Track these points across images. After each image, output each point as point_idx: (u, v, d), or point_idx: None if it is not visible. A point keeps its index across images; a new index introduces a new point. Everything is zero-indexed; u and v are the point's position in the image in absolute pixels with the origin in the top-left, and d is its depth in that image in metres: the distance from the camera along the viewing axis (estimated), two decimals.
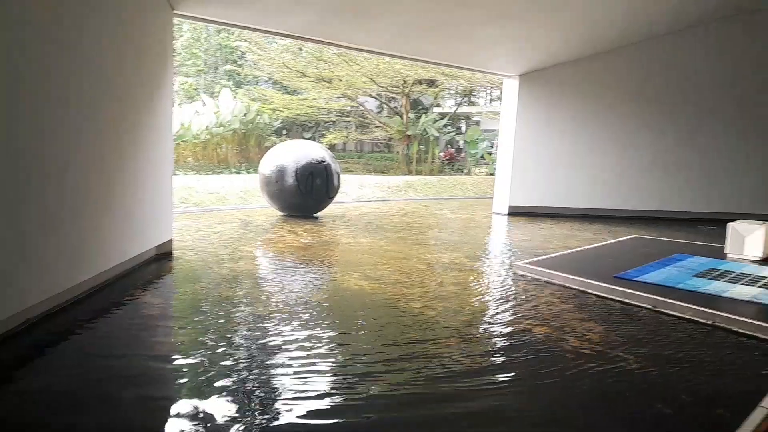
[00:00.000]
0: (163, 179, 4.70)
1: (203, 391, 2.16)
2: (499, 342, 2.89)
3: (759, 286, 3.95)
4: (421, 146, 20.70)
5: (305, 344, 2.71)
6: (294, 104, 20.28)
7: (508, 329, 3.09)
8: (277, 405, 2.05)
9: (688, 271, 4.40)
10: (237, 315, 3.18)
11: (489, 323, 3.23)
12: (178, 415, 1.96)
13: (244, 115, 18.07)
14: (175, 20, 5.18)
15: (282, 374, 2.34)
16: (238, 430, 1.87)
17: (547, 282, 4.19)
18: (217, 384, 2.22)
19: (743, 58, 8.29)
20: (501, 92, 9.16)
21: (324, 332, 2.91)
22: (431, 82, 20.61)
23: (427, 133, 20.28)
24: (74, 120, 3.12)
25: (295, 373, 2.35)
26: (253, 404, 2.05)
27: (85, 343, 2.72)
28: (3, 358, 2.45)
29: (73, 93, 3.11)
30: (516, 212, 8.57)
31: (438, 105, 24.25)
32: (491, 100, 25.33)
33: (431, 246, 5.66)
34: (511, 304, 3.63)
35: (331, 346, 2.73)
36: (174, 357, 2.56)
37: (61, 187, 3.00)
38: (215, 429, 1.87)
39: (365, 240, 5.86)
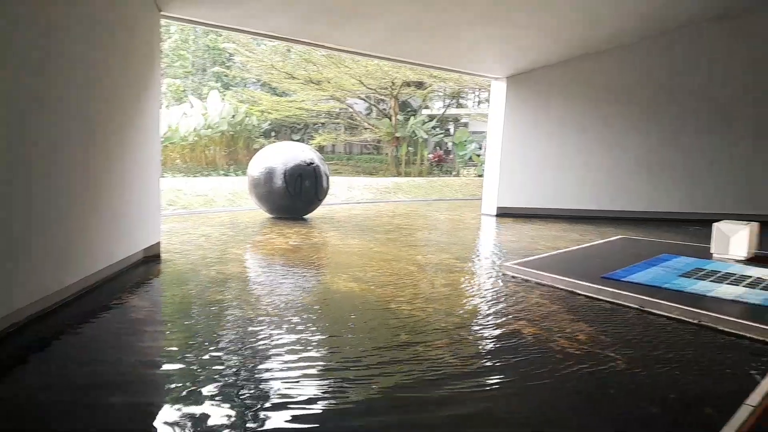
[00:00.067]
0: (150, 181, 4.67)
1: (191, 397, 2.14)
2: (489, 343, 2.90)
3: (744, 286, 3.99)
4: (409, 148, 20.73)
5: (294, 348, 2.70)
6: (282, 106, 20.23)
7: (498, 330, 3.10)
8: (267, 411, 2.04)
9: (674, 271, 4.44)
10: (226, 318, 3.17)
11: (479, 324, 3.24)
12: (165, 423, 1.94)
13: (233, 116, 18.00)
14: (163, 22, 5.15)
15: (271, 379, 2.32)
16: None
17: (536, 283, 4.21)
18: (206, 390, 2.20)
19: (728, 60, 8.39)
20: (489, 94, 9.18)
21: (313, 335, 2.90)
22: (420, 84, 20.66)
23: (415, 135, 20.32)
24: (61, 122, 3.10)
25: (285, 377, 2.33)
26: (242, 410, 2.04)
27: (71, 347, 2.70)
28: None
29: (60, 95, 3.08)
30: (504, 213, 8.60)
31: (427, 107, 24.31)
32: (479, 102, 25.43)
33: (420, 247, 5.66)
34: (500, 305, 3.64)
35: (320, 349, 2.72)
36: (162, 362, 2.55)
37: (47, 189, 2.97)
38: None
39: (354, 242, 5.86)
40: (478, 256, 5.46)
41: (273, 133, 22.45)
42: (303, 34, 6.39)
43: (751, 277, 4.30)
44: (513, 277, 4.41)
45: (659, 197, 8.72)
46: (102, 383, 2.26)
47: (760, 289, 3.92)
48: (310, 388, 2.24)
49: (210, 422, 1.93)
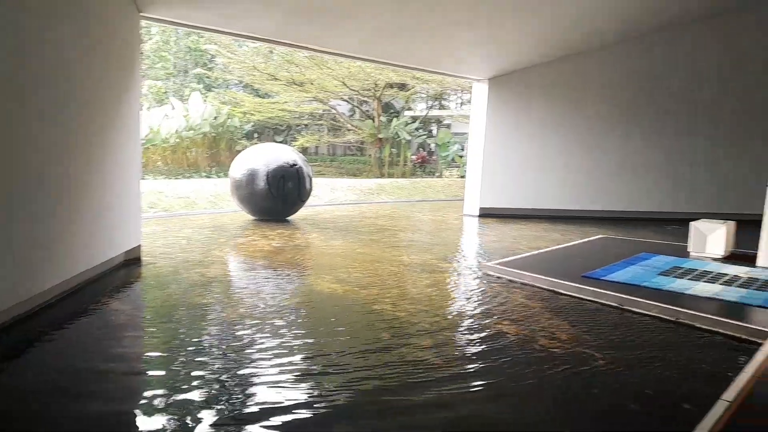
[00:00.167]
0: (130, 183, 4.62)
1: (171, 404, 2.11)
2: (473, 344, 2.92)
3: (720, 284, 4.07)
4: (393, 149, 20.77)
5: (277, 351, 2.68)
6: (265, 107, 20.15)
7: (481, 330, 3.12)
8: (248, 418, 2.02)
9: (653, 270, 4.51)
10: (208, 322, 3.15)
11: (462, 325, 3.26)
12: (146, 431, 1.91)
13: (215, 118, 17.88)
14: (143, 23, 5.11)
15: (254, 384, 2.30)
16: None
17: (518, 282, 4.25)
18: (186, 397, 2.18)
19: (707, 62, 8.55)
20: (471, 96, 9.24)
21: (296, 339, 2.90)
22: (402, 86, 20.70)
23: (398, 137, 20.35)
24: (40, 124, 3.06)
25: (267, 382, 2.32)
26: (223, 417, 2.01)
27: (49, 353, 2.65)
28: None
29: (39, 97, 3.04)
30: (486, 214, 8.66)
31: (409, 108, 24.37)
32: (462, 104, 25.55)
33: (403, 248, 5.68)
34: (482, 305, 3.67)
35: (303, 352, 2.72)
36: (142, 368, 2.52)
37: (26, 191, 2.93)
38: None
39: (338, 243, 5.85)
40: (460, 256, 5.49)
41: (256, 135, 22.34)
42: (285, 35, 6.38)
43: (727, 275, 4.38)
44: (495, 277, 4.44)
45: (639, 197, 8.85)
46: (80, 391, 2.23)
47: (737, 286, 4.00)
48: (293, 393, 2.22)
49: (190, 430, 1.92)
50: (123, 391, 2.26)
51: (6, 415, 2.01)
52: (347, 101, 21.93)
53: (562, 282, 4.03)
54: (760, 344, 2.84)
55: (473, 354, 2.74)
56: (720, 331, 3.11)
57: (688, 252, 5.34)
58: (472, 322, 3.28)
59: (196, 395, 2.17)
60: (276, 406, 2.10)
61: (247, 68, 19.37)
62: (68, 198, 3.49)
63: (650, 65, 8.54)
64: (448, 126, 24.70)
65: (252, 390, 2.24)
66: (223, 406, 2.08)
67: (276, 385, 2.29)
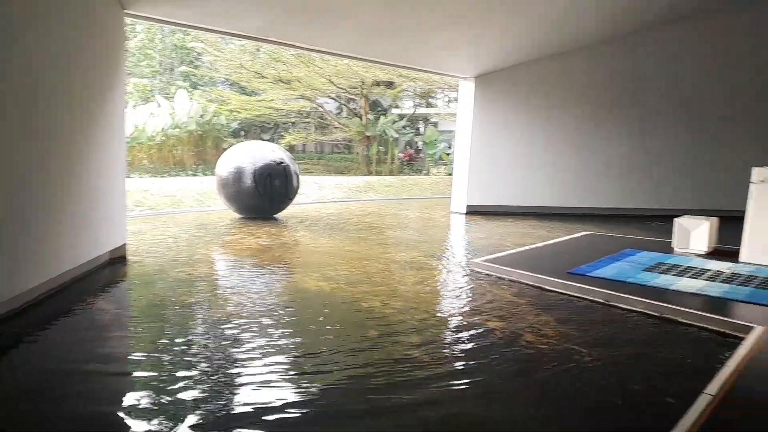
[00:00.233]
0: (115, 182, 4.58)
1: (160, 404, 2.10)
2: (461, 341, 2.93)
3: (704, 279, 4.12)
4: (380, 147, 20.74)
5: (264, 351, 2.68)
6: (252, 105, 20.02)
7: (469, 327, 3.14)
8: (238, 417, 2.00)
9: (638, 266, 4.55)
10: (195, 321, 3.14)
11: (450, 322, 3.28)
12: None
13: (201, 116, 17.74)
14: (128, 20, 5.06)
15: (242, 384, 2.28)
16: None
17: (505, 279, 4.27)
18: (175, 397, 2.17)
19: (691, 62, 8.64)
20: (458, 94, 9.26)
21: (284, 337, 2.89)
22: (390, 84, 20.67)
23: (386, 134, 20.34)
24: (23, 122, 3.02)
25: (256, 382, 2.30)
26: (210, 418, 1.99)
27: (34, 353, 2.63)
28: None
29: (22, 95, 3.00)
30: (474, 211, 8.68)
31: (397, 106, 24.35)
32: (449, 102, 25.59)
33: (391, 246, 5.69)
34: (469, 301, 3.69)
35: (291, 352, 2.71)
36: (128, 368, 2.49)
37: (9, 190, 2.90)
38: None
39: (325, 241, 5.85)
40: (448, 253, 5.50)
41: (242, 133, 22.22)
42: (271, 33, 6.34)
43: (710, 270, 4.44)
44: (482, 274, 4.46)
45: (624, 194, 8.93)
46: (65, 391, 2.21)
47: (720, 282, 4.05)
48: (282, 393, 2.22)
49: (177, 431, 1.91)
50: (109, 392, 2.25)
51: None
52: (334, 99, 21.86)
53: (549, 279, 4.06)
54: (742, 338, 2.88)
55: (461, 351, 2.75)
56: (704, 326, 3.15)
57: (673, 248, 5.40)
58: (459, 319, 3.29)
59: (183, 396, 2.15)
60: (265, 406, 2.09)
61: (233, 66, 19.24)
62: (52, 197, 3.45)
63: (635, 65, 8.62)
64: (436, 124, 24.73)
65: (241, 390, 2.23)
66: (211, 407, 2.07)
67: (265, 385, 2.27)
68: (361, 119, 20.57)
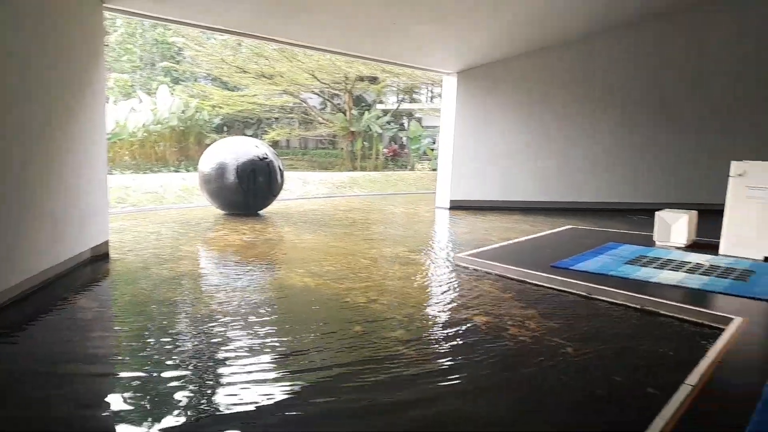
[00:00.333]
0: (96, 178, 4.52)
1: (143, 406, 2.08)
2: (447, 336, 2.95)
3: (684, 271, 4.19)
4: (364, 143, 20.72)
5: (249, 349, 2.66)
6: (234, 101, 19.86)
7: (454, 322, 3.16)
8: (223, 418, 1.98)
9: (620, 259, 4.61)
10: (179, 318, 3.11)
11: (436, 317, 3.30)
12: None
13: (183, 111, 17.56)
14: (107, 14, 4.98)
15: (227, 383, 2.26)
16: None
17: (489, 273, 4.30)
18: (160, 397, 2.16)
19: (671, 58, 8.75)
20: (441, 89, 9.28)
21: (269, 336, 2.88)
22: (373, 79, 20.63)
23: (370, 130, 20.31)
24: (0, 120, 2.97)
25: (241, 381, 2.28)
26: (193, 419, 1.96)
27: (11, 354, 2.58)
28: None
29: None
30: (458, 206, 8.72)
31: (381, 102, 24.32)
32: (432, 97, 25.61)
33: (376, 241, 5.69)
34: (454, 295, 3.71)
35: (276, 350, 2.70)
36: (110, 369, 2.46)
37: None
38: None
39: (310, 237, 5.83)
40: (432, 248, 5.52)
41: (225, 128, 22.04)
42: (252, 27, 6.30)
43: (690, 263, 4.51)
44: (467, 268, 4.48)
45: (606, 188, 9.04)
46: (46, 394, 2.18)
47: (699, 274, 4.12)
48: (268, 392, 2.20)
49: None
50: (92, 393, 2.21)
51: None
52: (318, 94, 21.78)
53: (533, 272, 4.09)
54: (721, 330, 2.94)
55: (448, 347, 2.76)
56: (684, 317, 3.20)
57: (654, 241, 5.47)
58: (445, 315, 3.31)
59: (168, 396, 2.13)
60: (251, 405, 2.07)
61: (215, 61, 19.07)
62: (30, 194, 3.40)
63: (617, 61, 8.71)
64: (419, 119, 24.75)
65: (226, 389, 2.21)
66: (197, 407, 2.05)
67: (251, 384, 2.25)
68: (345, 115, 20.52)
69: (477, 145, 8.76)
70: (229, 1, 5.36)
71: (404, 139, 23.84)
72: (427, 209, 8.81)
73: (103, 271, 4.18)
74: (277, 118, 23.25)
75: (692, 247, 5.26)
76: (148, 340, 2.72)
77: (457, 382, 2.34)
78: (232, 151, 7.08)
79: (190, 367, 2.40)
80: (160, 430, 1.86)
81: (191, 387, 2.20)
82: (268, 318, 3.11)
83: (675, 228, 5.34)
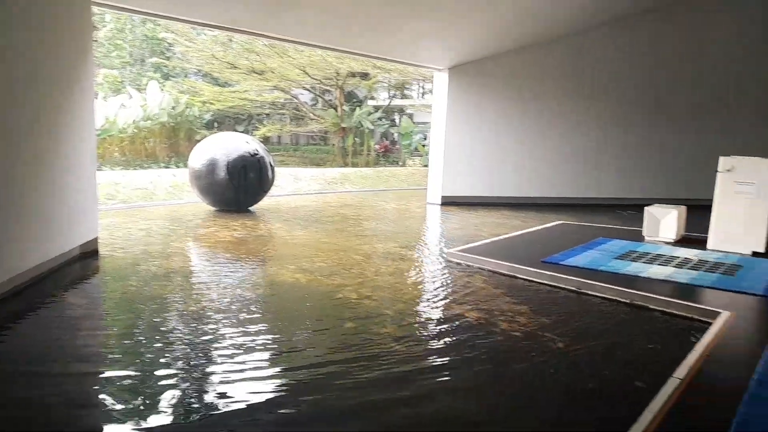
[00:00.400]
0: (85, 175, 4.49)
1: (134, 404, 2.07)
2: (439, 332, 2.96)
3: (672, 266, 4.22)
4: (356, 139, 20.69)
5: (240, 346, 2.65)
6: (225, 96, 19.75)
7: (446, 317, 3.17)
8: (215, 417, 1.97)
9: (609, 254, 4.64)
10: (169, 315, 3.10)
11: (427, 312, 3.30)
12: None
13: (173, 108, 17.45)
14: (95, 9, 4.94)
15: (219, 382, 2.24)
16: None
17: (480, 269, 4.31)
18: (151, 395, 2.15)
19: (663, 54, 8.80)
20: (432, 85, 9.27)
21: (260, 333, 2.87)
22: (364, 75, 20.59)
23: (362, 126, 20.28)
24: None
25: (233, 380, 2.26)
26: (184, 418, 1.96)
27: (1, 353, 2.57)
28: None
29: None
30: (449, 202, 8.73)
31: (372, 98, 24.29)
32: (423, 93, 25.61)
33: (367, 237, 5.69)
34: (445, 290, 3.72)
35: (268, 347, 2.69)
36: (99, 368, 2.43)
37: None
38: None
39: (301, 233, 5.82)
40: (423, 244, 5.53)
41: (216, 125, 21.93)
42: (242, 23, 6.27)
43: (679, 257, 4.54)
44: (458, 263, 4.49)
45: (596, 184, 9.09)
46: (33, 394, 2.16)
47: (688, 269, 4.15)
48: (259, 392, 2.18)
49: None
50: (80, 392, 2.20)
51: None
52: (309, 90, 21.71)
53: (524, 268, 4.11)
54: (709, 323, 2.97)
55: (439, 343, 2.77)
56: (672, 312, 3.23)
57: (643, 236, 5.51)
58: (437, 310, 3.32)
59: (159, 395, 2.12)
60: (244, 404, 2.06)
61: (205, 57, 18.95)
62: (18, 191, 3.37)
63: (607, 57, 8.75)
64: (411, 115, 24.74)
65: (217, 388, 2.19)
66: (188, 405, 2.05)
67: (238, 383, 2.24)
68: (336, 111, 20.47)
69: (468, 141, 8.77)
70: None
71: (395, 135, 23.82)
72: (419, 205, 8.82)
73: (92, 268, 4.15)
74: (268, 114, 23.17)
75: (681, 242, 5.31)
76: (138, 338, 2.71)
77: (449, 378, 2.35)
78: (223, 147, 7.04)
79: (180, 365, 2.39)
80: (150, 428, 1.86)
81: (182, 385, 2.19)
82: (259, 315, 3.10)
83: (664, 223, 5.38)
